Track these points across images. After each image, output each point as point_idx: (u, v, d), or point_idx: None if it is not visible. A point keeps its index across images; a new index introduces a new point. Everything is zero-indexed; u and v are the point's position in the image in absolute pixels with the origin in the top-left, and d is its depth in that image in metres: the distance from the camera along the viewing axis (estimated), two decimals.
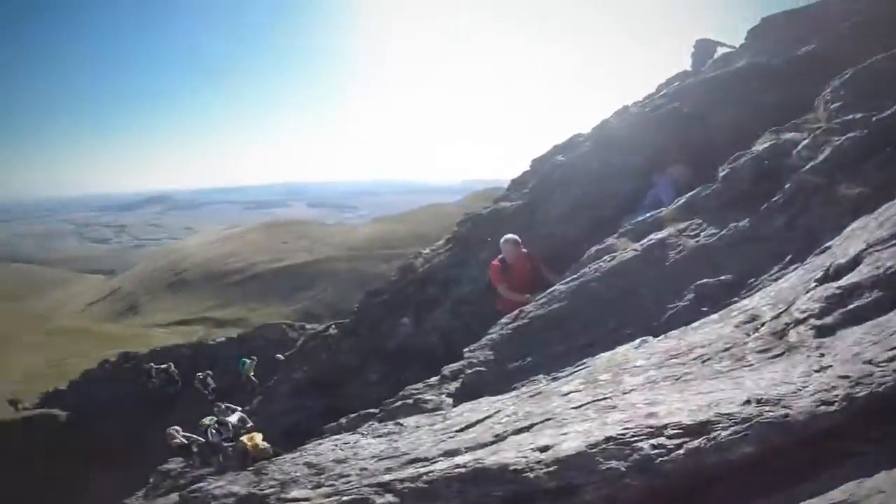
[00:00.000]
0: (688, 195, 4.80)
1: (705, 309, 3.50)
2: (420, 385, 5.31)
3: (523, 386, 3.86)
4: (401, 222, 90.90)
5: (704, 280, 3.75)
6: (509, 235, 6.16)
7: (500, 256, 6.21)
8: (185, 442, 9.52)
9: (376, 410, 5.97)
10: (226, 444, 8.34)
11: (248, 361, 17.19)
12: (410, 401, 5.16)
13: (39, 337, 52.88)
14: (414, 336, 8.76)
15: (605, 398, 2.57)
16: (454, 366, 5.36)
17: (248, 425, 8.79)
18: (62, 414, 20.19)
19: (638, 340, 3.41)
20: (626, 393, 2.56)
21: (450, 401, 4.86)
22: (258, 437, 7.11)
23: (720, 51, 9.21)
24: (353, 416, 6.41)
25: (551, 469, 1.95)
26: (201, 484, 5.52)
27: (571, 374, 3.46)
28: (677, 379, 2.49)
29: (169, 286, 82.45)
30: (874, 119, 3.68)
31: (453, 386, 4.81)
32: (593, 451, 1.93)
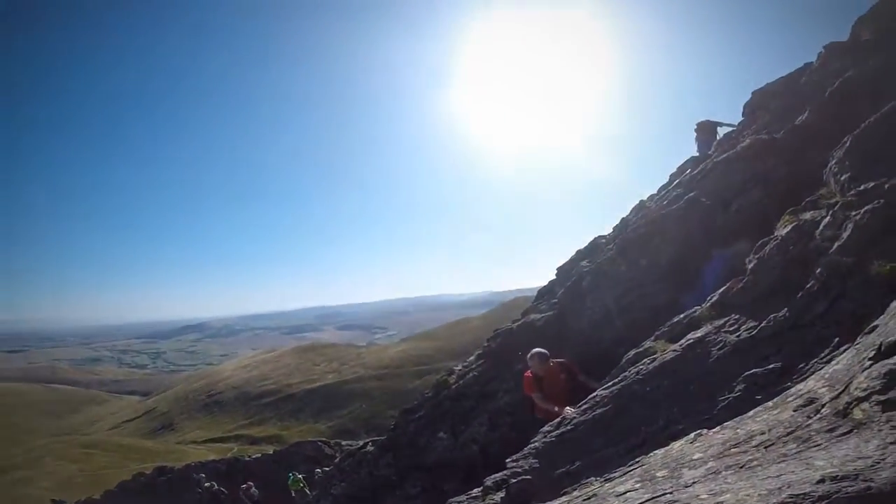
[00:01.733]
0: (719, 291, 4.79)
1: (759, 398, 3.34)
2: (463, 497, 5.04)
3: (574, 490, 3.65)
4: (430, 339, 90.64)
5: (753, 370, 3.62)
6: (535, 350, 6.06)
7: (527, 370, 6.16)
8: None
9: None
10: None
11: (292, 476, 16.54)
12: None
13: (75, 449, 53.00)
14: (452, 449, 8.43)
15: (665, 493, 2.42)
16: (497, 476, 5.09)
17: None
18: None
19: (693, 434, 3.23)
20: (687, 486, 2.41)
21: None
22: None
23: (721, 130, 9.46)
24: None
25: None
26: None
27: (625, 473, 3.24)
28: (741, 467, 2.35)
29: (204, 406, 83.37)
30: (887, 187, 3.77)
31: (498, 496, 4.53)
32: None
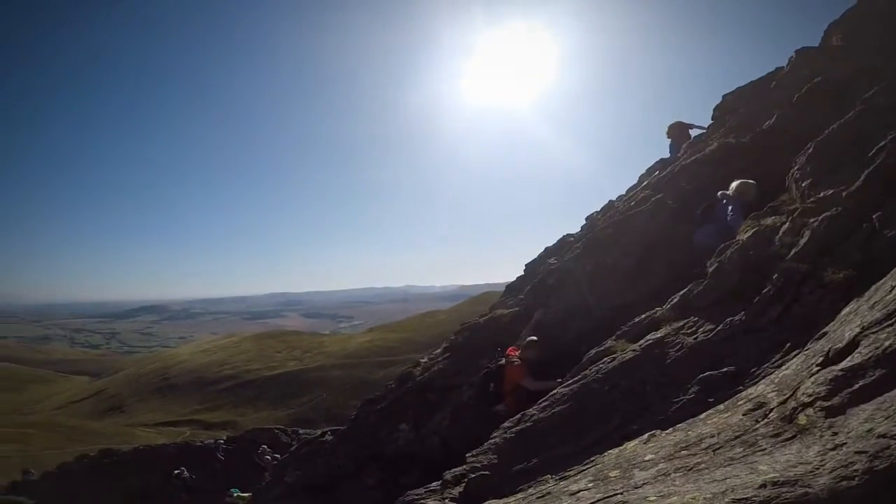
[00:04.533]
0: (680, 293, 4.86)
1: (711, 400, 3.41)
2: (421, 490, 5.02)
3: (529, 488, 3.65)
4: (395, 331, 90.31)
5: (708, 373, 3.69)
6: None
7: (516, 357, 6.24)
8: None
9: None
10: None
11: (237, 492, 14.39)
12: None
13: (10, 429, 50.51)
14: (413, 442, 8.37)
15: (615, 494, 2.43)
16: (456, 470, 5.07)
17: None
18: (30, 502, 19.31)
19: (646, 435, 3.27)
20: (637, 487, 2.42)
21: None
22: None
23: (693, 133, 9.55)
24: None
25: None
26: None
27: (579, 472, 3.25)
28: (689, 469, 2.37)
29: (157, 390, 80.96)
30: (844, 195, 3.89)
31: (456, 490, 4.51)
32: None
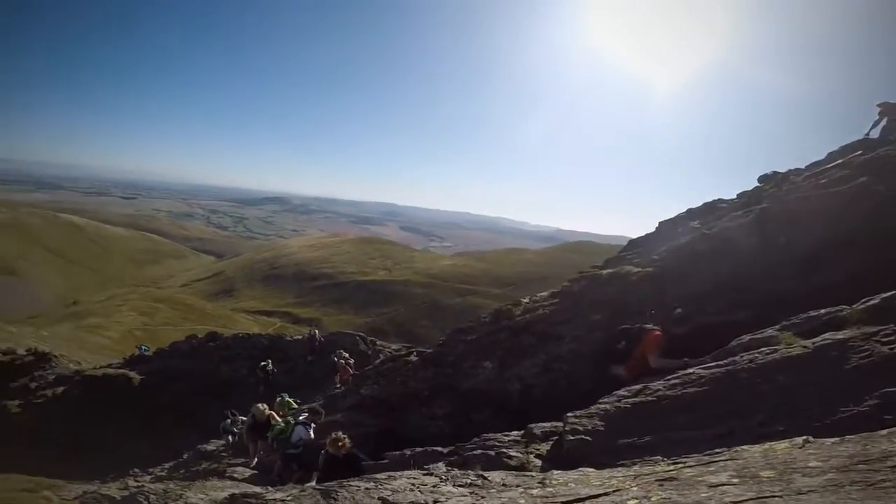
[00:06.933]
0: (883, 296, 4.21)
1: (888, 417, 3.07)
2: (503, 437, 4.96)
3: (634, 465, 3.52)
4: (482, 260, 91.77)
5: (894, 388, 3.29)
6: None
7: (657, 327, 5.71)
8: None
9: (444, 450, 5.70)
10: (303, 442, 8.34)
11: (286, 396, 13.31)
12: (491, 452, 4.91)
13: (147, 302, 60.81)
14: (493, 381, 8.31)
15: (773, 496, 2.30)
16: (546, 426, 4.97)
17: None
18: (137, 377, 21.33)
19: (800, 439, 3.05)
20: (800, 493, 2.28)
21: (538, 462, 4.55)
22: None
23: None
24: (419, 449, 6.17)
25: None
26: (258, 490, 4.88)
27: (709, 462, 3.11)
28: (870, 485, 2.18)
29: (264, 278, 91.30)
30: None
31: (543, 447, 4.42)
32: None
